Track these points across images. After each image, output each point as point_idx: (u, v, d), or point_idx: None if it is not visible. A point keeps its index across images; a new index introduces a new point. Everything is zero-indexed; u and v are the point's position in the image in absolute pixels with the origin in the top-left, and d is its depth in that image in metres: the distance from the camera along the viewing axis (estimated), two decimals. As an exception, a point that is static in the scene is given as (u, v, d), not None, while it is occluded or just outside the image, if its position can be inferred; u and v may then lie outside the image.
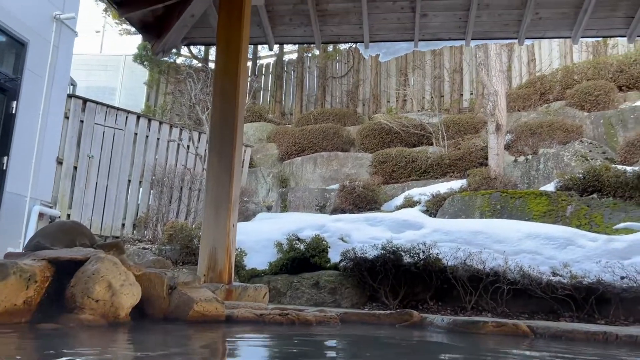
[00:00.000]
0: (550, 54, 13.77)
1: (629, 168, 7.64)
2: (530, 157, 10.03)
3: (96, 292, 2.34)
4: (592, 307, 5.64)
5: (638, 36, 5.65)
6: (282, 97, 17.58)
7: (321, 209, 10.46)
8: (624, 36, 5.69)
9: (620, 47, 12.81)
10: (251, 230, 7.63)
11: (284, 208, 10.57)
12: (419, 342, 2.79)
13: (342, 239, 7.05)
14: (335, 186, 10.98)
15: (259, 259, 6.85)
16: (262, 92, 17.70)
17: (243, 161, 11.77)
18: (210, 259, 3.77)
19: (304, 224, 7.61)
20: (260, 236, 7.30)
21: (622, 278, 5.66)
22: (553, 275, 5.94)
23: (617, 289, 5.60)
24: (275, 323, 2.79)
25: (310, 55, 17.52)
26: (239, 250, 6.63)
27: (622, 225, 6.96)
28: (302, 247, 6.66)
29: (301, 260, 6.51)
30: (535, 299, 5.91)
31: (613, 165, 7.89)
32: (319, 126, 13.68)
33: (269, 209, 11.02)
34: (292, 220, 7.97)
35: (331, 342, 2.57)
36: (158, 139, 9.59)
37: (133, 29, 11.33)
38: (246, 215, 9.65)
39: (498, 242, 6.64)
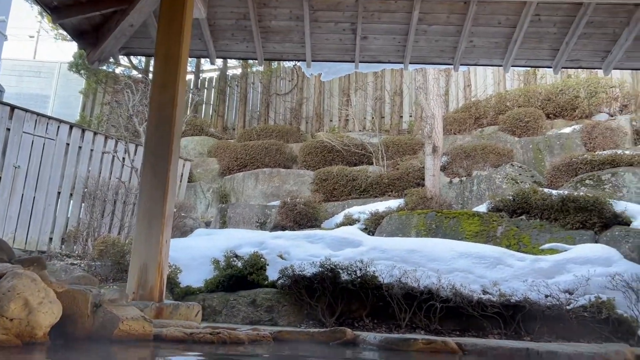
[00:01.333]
0: (485, 81, 14.46)
1: (554, 191, 8.06)
2: (464, 178, 10.41)
3: (11, 311, 2.19)
4: (519, 324, 5.87)
5: (563, 68, 6.04)
6: (224, 111, 17.42)
7: (261, 226, 10.38)
8: (550, 67, 6.06)
9: (548, 77, 13.64)
10: (188, 246, 7.44)
11: (224, 224, 10.40)
12: (351, 360, 2.80)
13: (281, 256, 7.00)
14: (277, 203, 10.94)
15: (195, 277, 6.69)
16: (204, 105, 17.46)
17: (182, 175, 11.51)
18: (140, 275, 3.64)
19: (243, 240, 7.51)
20: (197, 253, 7.13)
21: (547, 296, 5.94)
22: (483, 294, 6.14)
23: (542, 307, 5.86)
24: (206, 342, 2.72)
25: (254, 70, 17.52)
26: (174, 267, 6.45)
27: (547, 245, 7.31)
28: (239, 264, 6.56)
29: (238, 277, 6.41)
30: (467, 316, 6.08)
31: (540, 189, 8.31)
32: (261, 142, 13.64)
33: (207, 224, 10.81)
34: (231, 237, 7.84)
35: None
36: (92, 150, 9.23)
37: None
38: (183, 231, 9.42)
39: (432, 260, 6.80)
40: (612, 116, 11.33)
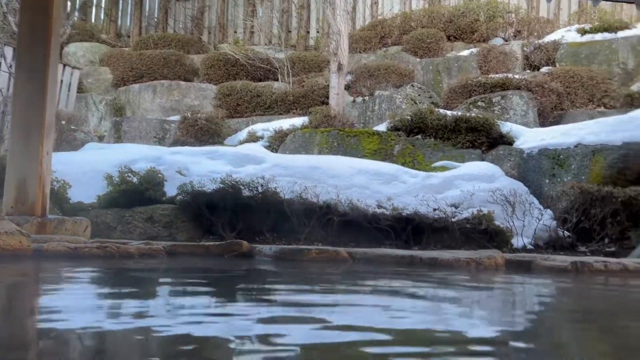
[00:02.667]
0: (392, -1, 14.38)
1: (449, 112, 8.44)
2: (367, 98, 10.57)
3: None
4: (409, 235, 6.30)
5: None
6: (117, 16, 15.95)
7: (160, 141, 9.97)
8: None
9: (452, -2, 13.83)
10: (78, 160, 6.98)
11: (118, 139, 9.84)
12: (248, 270, 2.84)
13: (180, 173, 6.81)
14: (176, 117, 10.49)
15: (87, 193, 6.34)
16: (94, 8, 15.85)
17: (70, 84, 10.59)
18: (19, 190, 3.36)
19: (139, 155, 7.17)
20: (89, 167, 6.72)
21: (435, 210, 6.39)
22: (378, 208, 6.48)
23: (430, 220, 6.32)
24: (93, 256, 2.61)
25: (151, -28, 16.02)
26: (62, 181, 6.05)
27: (439, 163, 7.74)
28: (135, 180, 6.30)
29: (134, 193, 6.18)
30: (362, 229, 6.42)
31: (436, 109, 8.66)
32: (159, 52, 12.76)
33: (101, 139, 10.18)
34: (126, 152, 7.45)
35: (150, 274, 2.49)
36: (-41, 51, 8.12)
37: None
38: (74, 145, 8.79)
39: (332, 177, 6.98)
40: (506, 41, 11.87)
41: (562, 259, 3.38)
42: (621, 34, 10.45)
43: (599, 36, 10.61)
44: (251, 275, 2.74)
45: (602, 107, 9.22)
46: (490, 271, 3.19)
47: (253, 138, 9.55)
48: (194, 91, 11.88)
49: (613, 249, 6.05)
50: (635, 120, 6.91)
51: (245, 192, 6.16)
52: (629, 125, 6.78)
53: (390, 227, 6.28)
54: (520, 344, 1.42)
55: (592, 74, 9.41)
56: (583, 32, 10.88)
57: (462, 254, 3.37)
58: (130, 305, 1.85)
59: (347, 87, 10.82)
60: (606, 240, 6.20)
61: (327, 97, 10.28)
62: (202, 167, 7.02)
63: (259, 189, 6.18)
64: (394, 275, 2.79)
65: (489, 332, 1.56)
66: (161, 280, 2.43)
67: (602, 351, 1.42)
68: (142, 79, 12.28)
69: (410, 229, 6.31)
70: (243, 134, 9.90)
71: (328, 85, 10.30)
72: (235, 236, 6.08)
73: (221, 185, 6.11)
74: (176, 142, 9.53)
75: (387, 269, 2.98)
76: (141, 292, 2.11)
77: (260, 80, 12.08)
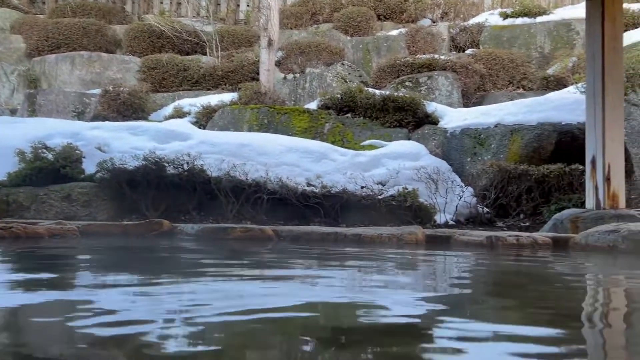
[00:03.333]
0: (324, -24, 14.24)
1: (378, 91, 8.54)
2: (298, 75, 10.49)
3: None
4: (338, 213, 6.37)
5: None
6: (30, -20, 14.78)
7: (79, 116, 9.42)
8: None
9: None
10: (-14, 136, 6.47)
11: (33, 112, 9.21)
12: (168, 248, 2.75)
13: (100, 149, 6.47)
14: (97, 91, 9.94)
15: (-4, 170, 5.91)
16: (3, -30, 14.58)
17: (-25, 53, 9.74)
18: None
19: (55, 130, 6.74)
20: (-2, 143, 6.25)
21: (362, 187, 6.49)
22: (307, 186, 6.49)
23: (358, 197, 6.42)
24: (-4, 239, 2.43)
25: None
26: (-34, 158, 5.59)
27: (368, 142, 7.85)
28: (50, 156, 5.92)
29: (50, 171, 5.82)
30: (292, 207, 6.41)
31: (366, 88, 8.74)
32: (78, 20, 11.98)
33: (13, 112, 9.50)
34: (40, 126, 6.98)
35: (56, 255, 2.35)
36: None
37: None
38: (-19, 119, 8.12)
39: (262, 154, 6.90)
40: (434, 22, 12.14)
41: (479, 234, 3.54)
42: (539, 19, 10.97)
43: (519, 20, 11.07)
44: (166, 256, 2.65)
45: (521, 89, 9.67)
46: (411, 246, 3.28)
47: (179, 114, 9.24)
48: (116, 63, 11.29)
49: (527, 223, 6.40)
50: (550, 101, 7.29)
51: (170, 170, 5.96)
52: (544, 106, 7.16)
53: (319, 205, 6.31)
54: (439, 306, 1.46)
55: (512, 57, 9.83)
56: (505, 16, 11.32)
57: (385, 230, 3.44)
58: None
59: (278, 64, 10.68)
60: (521, 216, 6.55)
61: (258, 73, 10.10)
62: (124, 143, 6.71)
63: (185, 166, 6.00)
64: (318, 252, 2.81)
65: (408, 299, 1.60)
66: (67, 261, 2.29)
67: (508, 305, 1.50)
68: (59, 49, 11.50)
69: (339, 206, 6.38)
70: (169, 110, 9.56)
71: (258, 61, 10.12)
72: (159, 215, 5.87)
73: (144, 162, 5.88)
74: (97, 117, 9.05)
75: (312, 246, 2.99)
76: (40, 278, 1.99)
77: (187, 54, 11.66)
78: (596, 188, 4.49)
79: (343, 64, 10.30)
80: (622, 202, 4.51)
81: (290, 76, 10.59)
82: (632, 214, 4.08)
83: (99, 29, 11.88)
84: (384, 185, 6.72)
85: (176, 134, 7.10)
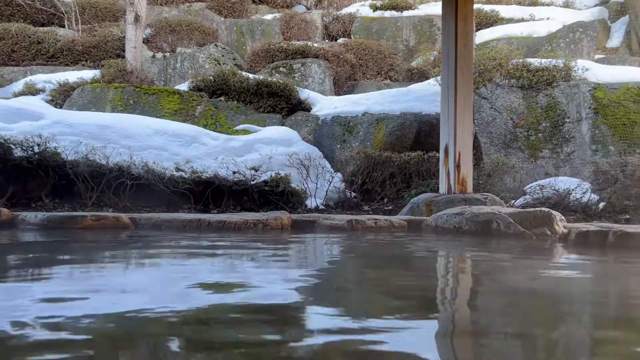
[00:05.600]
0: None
1: (252, 75, 8.46)
2: (168, 54, 10.01)
3: None
4: (209, 199, 6.21)
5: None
6: None
7: None
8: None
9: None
10: None
11: None
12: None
13: None
14: None
15: None
16: None
17: None
18: None
19: None
20: None
21: (234, 173, 6.40)
22: (176, 171, 6.24)
23: (229, 183, 6.31)
24: None
25: None
26: None
27: (241, 126, 7.75)
28: None
29: None
30: (159, 193, 6.12)
31: (240, 72, 8.60)
32: None
33: None
34: None
35: None
36: None
37: None
38: None
39: (126, 137, 6.50)
40: (308, 9, 12.28)
41: (341, 218, 3.66)
42: (406, 13, 11.60)
43: (387, 13, 11.62)
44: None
45: (388, 80, 10.18)
46: (276, 231, 3.30)
47: (32, 90, 8.36)
48: (-47, 31, 9.88)
49: (390, 207, 6.78)
50: (412, 93, 7.77)
51: (18, 152, 5.37)
52: (407, 97, 7.60)
53: (189, 191, 6.11)
54: (288, 290, 1.48)
55: (381, 48, 10.30)
56: (375, 8, 11.80)
57: (251, 216, 3.42)
58: None
59: (146, 41, 10.11)
60: (385, 200, 6.93)
61: (123, 50, 9.47)
62: (-39, 122, 5.92)
63: (35, 148, 5.45)
64: (174, 241, 2.70)
65: (271, 283, 1.59)
66: None
67: (349, 286, 1.57)
68: None
69: (210, 192, 6.23)
70: (19, 85, 8.60)
71: (124, 37, 9.48)
72: (5, 203, 5.29)
73: (-15, 144, 5.23)
74: None
75: (172, 234, 2.87)
76: None
77: (42, 25, 10.56)
78: (448, 174, 4.87)
79: (216, 46, 10.03)
80: (470, 187, 4.95)
81: (159, 55, 10.08)
82: (478, 198, 4.50)
83: None
84: (257, 171, 6.69)
85: (26, 113, 6.41)
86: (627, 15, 11.30)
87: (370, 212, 6.50)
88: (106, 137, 6.34)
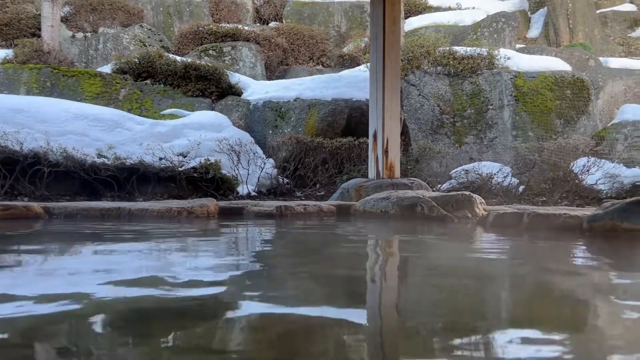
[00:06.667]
0: None
1: (180, 58, 8.17)
2: (89, 35, 9.48)
3: None
4: (134, 186, 5.98)
5: None
6: None
7: None
8: None
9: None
10: None
11: None
12: None
13: None
14: None
15: None
16: None
17: None
18: None
19: None
20: None
21: (161, 159, 6.19)
22: (98, 157, 5.94)
23: (156, 169, 6.10)
24: None
25: None
26: None
27: (168, 111, 7.49)
28: None
29: None
30: (80, 181, 5.83)
31: (167, 54, 8.29)
32: None
33: None
34: None
35: None
36: None
37: None
38: None
39: (42, 122, 6.11)
40: (238, -9, 12.00)
41: (269, 204, 3.62)
42: (337, -1, 11.60)
43: (317, -2, 11.57)
44: None
45: (321, 65, 10.17)
46: (202, 219, 3.21)
47: None
48: None
49: (323, 193, 6.81)
50: (344, 79, 7.80)
51: None
52: (339, 83, 7.63)
53: (112, 178, 5.85)
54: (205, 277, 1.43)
55: (313, 34, 10.26)
56: (300, -8, 11.70)
57: (175, 204, 3.30)
58: None
59: (65, 20, 9.51)
60: (318, 186, 6.95)
61: (39, 29, 8.86)
62: None
63: None
64: (89, 231, 2.56)
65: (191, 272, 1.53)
66: None
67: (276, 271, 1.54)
68: None
69: (135, 180, 6.00)
70: None
71: (40, 15, 8.86)
72: None
73: None
74: None
75: (88, 224, 2.71)
76: None
77: (-55, -1, 9.68)
78: (377, 160, 4.94)
79: (142, 26, 9.60)
80: (397, 172, 5.05)
81: (80, 35, 9.52)
82: (405, 182, 4.59)
83: None
84: (185, 157, 6.50)
85: None
86: (545, 7, 11.90)
87: (303, 198, 6.49)
88: (20, 121, 5.93)
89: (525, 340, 0.94)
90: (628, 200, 2.37)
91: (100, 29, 9.43)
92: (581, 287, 1.50)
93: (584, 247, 2.31)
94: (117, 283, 1.39)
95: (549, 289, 1.49)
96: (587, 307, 1.28)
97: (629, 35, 11.72)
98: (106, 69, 8.20)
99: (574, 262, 2.02)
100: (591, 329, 1.08)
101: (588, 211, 2.69)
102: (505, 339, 0.97)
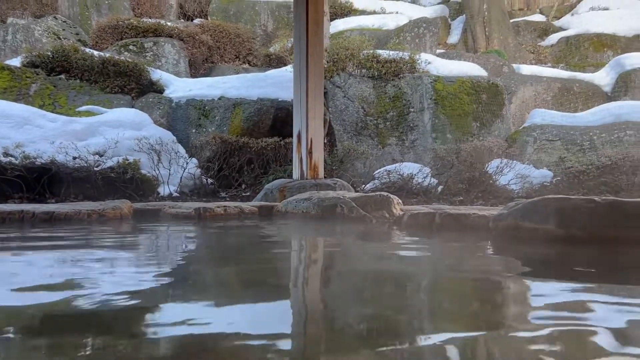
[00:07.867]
0: None
1: (97, 53, 7.80)
2: (-3, 24, 8.83)
3: None
4: (44, 187, 5.63)
5: None
6: None
7: None
8: None
9: None
10: None
11: None
12: None
13: None
14: None
15: None
16: None
17: None
18: None
19: None
20: None
21: (75, 158, 5.87)
22: (4, 156, 5.55)
23: (69, 169, 5.78)
24: None
25: None
26: None
27: (84, 107, 7.13)
28: None
29: None
30: (-17, 181, 5.42)
31: (83, 48, 7.89)
32: None
33: None
34: None
35: None
36: None
37: None
38: None
39: (-60, 117, 5.62)
40: (162, -14, 11.62)
41: (188, 206, 3.53)
42: (264, -2, 11.53)
43: (246, -4, 11.44)
44: None
45: (247, 64, 10.07)
46: (115, 222, 3.07)
47: None
48: None
49: (249, 193, 6.73)
50: (270, 78, 7.76)
51: None
52: (264, 82, 7.58)
53: (21, 179, 5.48)
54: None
55: (239, 32, 10.12)
56: (233, -10, 11.54)
57: (85, 206, 3.13)
58: None
59: (-32, 8, 8.80)
60: (243, 186, 6.87)
61: (-63, 16, 8.14)
62: None
63: None
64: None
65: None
66: None
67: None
68: None
69: (47, 180, 5.65)
70: None
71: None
72: None
73: None
74: None
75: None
76: None
77: None
78: (301, 160, 4.95)
79: (56, 18, 9.07)
80: (321, 173, 5.09)
81: (-15, 25, 8.84)
82: (328, 183, 4.64)
83: None
84: (101, 156, 6.21)
85: None
86: (464, 15, 12.46)
87: (228, 199, 6.38)
88: None
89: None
90: (529, 200, 2.52)
91: (10, 19, 8.80)
92: (468, 283, 1.58)
93: (486, 247, 2.43)
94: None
95: (441, 284, 1.55)
96: (478, 301, 1.34)
97: (539, 43, 12.51)
98: (15, 62, 7.67)
99: (470, 262, 2.11)
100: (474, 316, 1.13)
101: (496, 211, 2.83)
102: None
